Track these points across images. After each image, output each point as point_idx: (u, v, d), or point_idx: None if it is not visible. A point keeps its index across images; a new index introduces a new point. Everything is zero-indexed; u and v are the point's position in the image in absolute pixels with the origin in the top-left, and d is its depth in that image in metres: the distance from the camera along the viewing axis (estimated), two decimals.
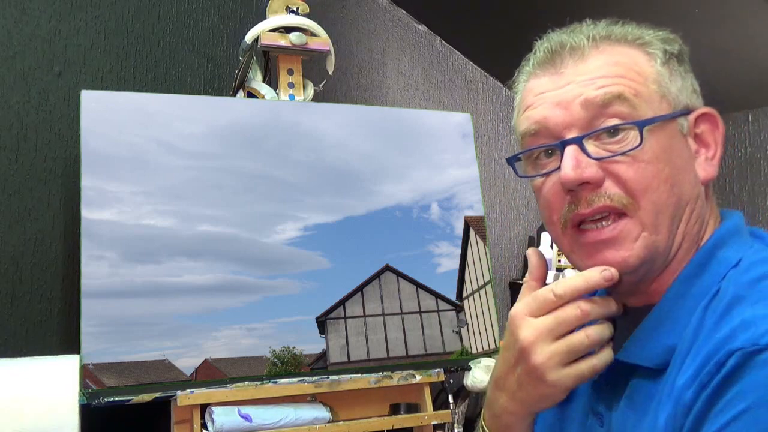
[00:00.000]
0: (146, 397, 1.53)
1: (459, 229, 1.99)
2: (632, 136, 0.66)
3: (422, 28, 2.58)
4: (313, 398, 1.68)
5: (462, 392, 1.99)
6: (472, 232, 2.01)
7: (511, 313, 0.70)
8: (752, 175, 2.79)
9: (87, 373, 1.50)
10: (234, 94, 1.88)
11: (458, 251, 1.97)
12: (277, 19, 1.88)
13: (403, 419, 1.75)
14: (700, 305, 0.64)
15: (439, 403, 1.92)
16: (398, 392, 1.79)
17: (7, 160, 1.67)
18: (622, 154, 0.66)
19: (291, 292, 1.76)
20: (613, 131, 0.67)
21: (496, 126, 2.79)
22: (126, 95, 1.71)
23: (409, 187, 1.94)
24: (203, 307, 1.66)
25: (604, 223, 0.67)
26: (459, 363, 1.88)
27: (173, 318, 1.63)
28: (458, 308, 1.94)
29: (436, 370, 1.81)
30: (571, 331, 0.67)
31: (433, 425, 1.78)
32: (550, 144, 0.70)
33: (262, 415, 1.58)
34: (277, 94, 1.87)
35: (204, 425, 1.56)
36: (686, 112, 0.70)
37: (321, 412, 1.65)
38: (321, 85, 1.98)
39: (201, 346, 1.63)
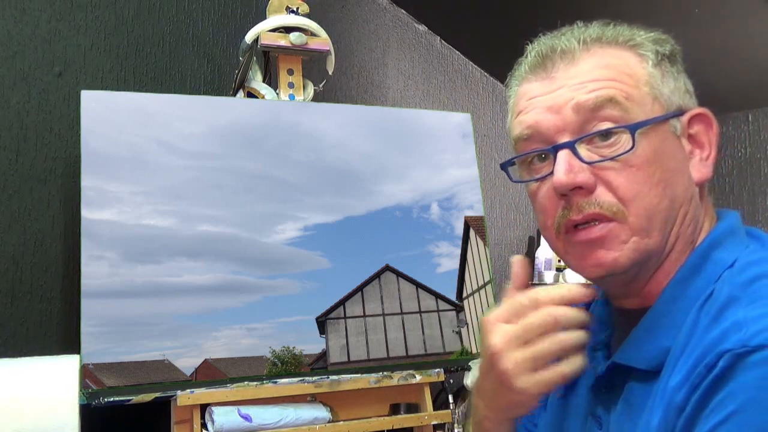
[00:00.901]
0: (146, 397, 1.53)
1: (459, 229, 1.99)
2: (624, 140, 0.66)
3: (422, 28, 2.58)
4: (313, 398, 1.68)
5: (462, 392, 1.99)
6: (472, 232, 2.01)
7: (482, 318, 0.71)
8: (752, 175, 2.79)
9: (87, 373, 1.50)
10: (234, 94, 1.88)
11: (458, 251, 1.97)
12: (277, 19, 1.88)
13: (403, 419, 1.75)
14: (695, 306, 0.65)
15: (439, 403, 1.92)
16: (398, 392, 1.79)
17: (7, 160, 1.66)
18: (614, 158, 0.66)
19: (291, 292, 1.76)
20: (606, 135, 0.67)
21: (496, 126, 2.79)
22: (126, 95, 1.71)
23: (409, 187, 1.94)
24: (203, 307, 1.66)
25: (595, 223, 0.67)
26: (459, 363, 1.89)
27: (173, 318, 1.63)
28: (458, 308, 1.94)
29: (436, 370, 1.81)
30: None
31: (433, 425, 1.78)
32: (543, 149, 0.70)
33: (262, 415, 1.58)
34: (277, 94, 1.87)
35: (204, 425, 1.56)
36: (679, 113, 0.70)
37: (321, 412, 1.65)
38: (321, 85, 1.99)
39: (201, 346, 1.63)
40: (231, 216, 1.73)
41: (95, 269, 1.57)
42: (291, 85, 1.89)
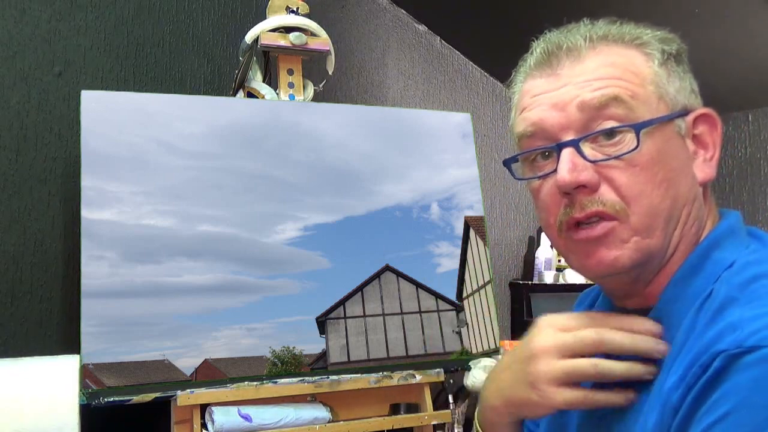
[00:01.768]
0: (146, 397, 1.53)
1: (459, 229, 1.99)
2: (629, 139, 0.66)
3: (422, 28, 2.58)
4: (313, 398, 1.68)
5: (462, 392, 1.99)
6: (472, 232, 2.01)
7: (541, 318, 0.71)
8: (752, 175, 2.79)
9: (87, 373, 1.50)
10: (234, 94, 1.88)
11: (458, 251, 1.97)
12: (277, 19, 1.88)
13: (403, 419, 1.75)
14: (693, 307, 0.64)
15: (439, 403, 1.92)
16: (398, 392, 1.79)
17: (7, 160, 1.67)
18: (618, 157, 0.66)
19: (291, 292, 1.76)
20: (610, 133, 0.67)
21: (496, 126, 2.79)
22: (126, 95, 1.71)
23: (409, 187, 1.94)
24: (203, 307, 1.66)
25: (597, 220, 0.67)
26: (459, 363, 1.89)
27: (173, 318, 1.63)
28: (458, 308, 1.94)
29: (436, 370, 1.81)
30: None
31: (433, 425, 1.78)
32: (547, 146, 0.69)
33: (262, 415, 1.58)
34: (277, 94, 1.88)
35: (204, 425, 1.56)
36: (684, 113, 0.70)
37: (321, 412, 1.65)
38: (321, 85, 1.99)
39: (201, 346, 1.63)
40: (231, 216, 1.73)
41: (95, 269, 1.57)
42: (291, 85, 1.89)
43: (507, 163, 0.76)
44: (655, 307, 0.69)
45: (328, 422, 1.65)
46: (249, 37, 1.87)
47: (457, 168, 2.02)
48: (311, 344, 1.73)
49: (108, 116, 1.64)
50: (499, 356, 2.04)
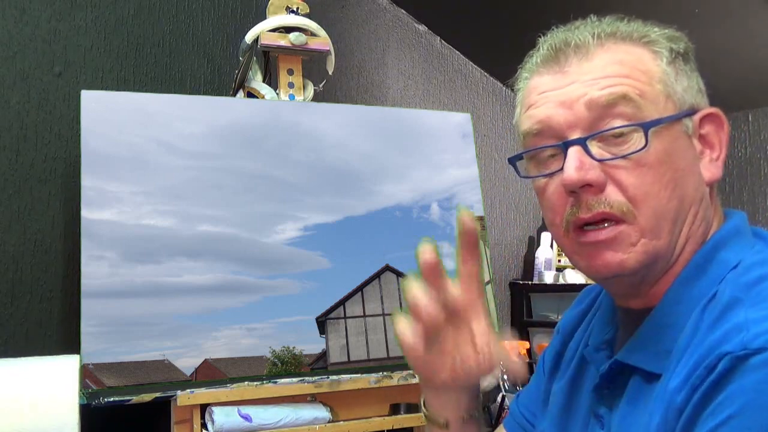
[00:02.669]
0: (146, 397, 1.53)
1: None
2: (636, 138, 0.65)
3: (422, 28, 2.58)
4: (313, 398, 1.68)
5: None
6: None
7: None
8: (752, 175, 2.79)
9: (87, 373, 1.50)
10: (234, 94, 1.88)
11: None
12: (277, 19, 1.88)
13: (403, 419, 1.75)
14: (698, 308, 0.64)
15: None
16: (398, 392, 1.79)
17: (7, 160, 1.67)
18: (625, 156, 0.65)
19: (291, 292, 1.76)
20: (618, 133, 0.66)
21: (496, 126, 2.79)
22: (126, 95, 1.71)
23: (409, 187, 1.94)
24: (203, 307, 1.66)
25: (605, 224, 0.67)
26: None
27: (173, 318, 1.63)
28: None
29: None
30: None
31: None
32: (553, 144, 0.69)
33: (262, 415, 1.58)
34: (277, 94, 1.88)
35: (204, 425, 1.56)
36: (691, 112, 0.69)
37: (321, 412, 1.65)
38: (321, 85, 1.99)
39: (201, 346, 1.63)
40: (231, 216, 1.73)
41: (95, 269, 1.57)
42: (291, 85, 1.89)
43: (512, 161, 0.75)
44: (658, 307, 0.68)
45: (328, 422, 1.65)
46: (249, 37, 1.87)
47: (457, 168, 2.02)
48: (311, 344, 1.73)
49: (108, 116, 1.64)
50: None
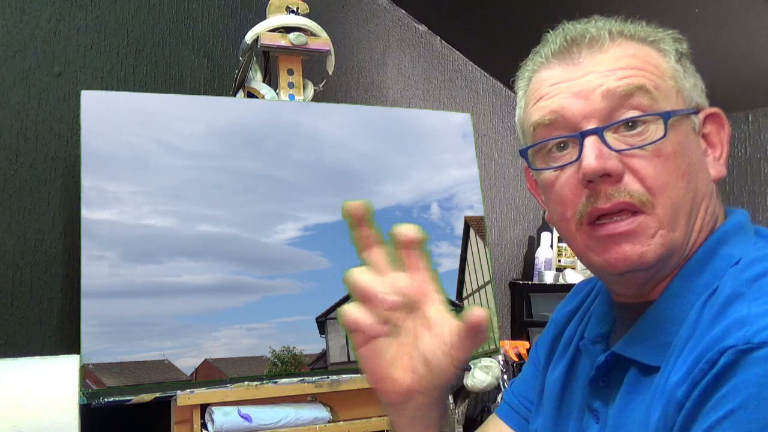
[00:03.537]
0: (146, 397, 1.53)
1: (459, 229, 1.99)
2: (653, 129, 0.66)
3: (422, 28, 2.58)
4: (313, 398, 1.68)
5: (462, 392, 1.99)
6: (472, 232, 2.01)
7: None
8: (752, 175, 2.79)
9: (87, 373, 1.50)
10: (234, 94, 1.88)
11: (458, 251, 1.97)
12: (277, 19, 1.88)
13: None
14: (699, 302, 0.64)
15: None
16: None
17: (7, 160, 1.67)
18: (643, 147, 0.65)
19: (291, 292, 1.76)
20: (632, 124, 0.66)
21: (496, 126, 2.79)
22: (126, 95, 1.71)
23: (409, 187, 1.94)
24: (203, 307, 1.66)
25: (622, 216, 0.66)
26: None
27: (173, 318, 1.63)
28: (458, 308, 1.93)
29: None
30: None
31: None
32: (569, 135, 0.68)
33: (262, 415, 1.58)
34: (277, 94, 1.87)
35: (204, 425, 1.56)
36: (697, 110, 0.70)
37: (321, 412, 1.65)
38: (321, 85, 1.99)
39: (201, 346, 1.63)
40: (231, 216, 1.73)
41: (95, 269, 1.57)
42: (291, 85, 1.89)
43: (523, 153, 0.74)
44: (658, 301, 0.68)
45: (328, 422, 1.65)
46: (249, 37, 1.87)
47: (457, 168, 2.02)
48: (311, 344, 1.73)
49: (108, 116, 1.64)
50: (499, 356, 2.04)
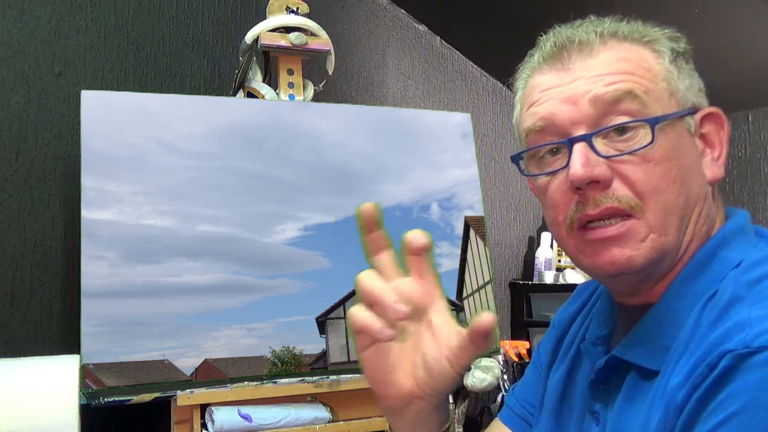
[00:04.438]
0: (146, 397, 1.53)
1: (459, 229, 1.99)
2: (642, 134, 0.65)
3: (422, 28, 2.58)
4: (313, 398, 1.68)
5: (462, 392, 1.99)
6: (472, 232, 2.01)
7: None
8: (752, 175, 2.79)
9: (87, 373, 1.50)
10: (234, 94, 1.88)
11: (458, 251, 1.97)
12: (277, 19, 1.88)
13: None
14: (698, 305, 0.64)
15: None
16: None
17: (7, 160, 1.67)
18: (632, 152, 0.65)
19: (291, 292, 1.76)
20: (622, 129, 0.65)
21: (496, 126, 2.79)
22: (126, 95, 1.71)
23: (409, 187, 1.94)
24: (203, 307, 1.66)
25: (612, 221, 0.66)
26: None
27: (173, 318, 1.63)
28: (458, 308, 1.94)
29: None
30: None
31: None
32: (558, 141, 0.68)
33: (262, 415, 1.58)
34: (277, 94, 1.87)
35: (204, 425, 1.56)
36: (693, 111, 0.69)
37: (321, 412, 1.65)
38: (321, 85, 1.99)
39: (201, 346, 1.63)
40: (231, 216, 1.73)
41: (95, 269, 1.57)
42: (291, 85, 1.89)
43: (514, 159, 0.74)
44: (657, 304, 0.68)
45: (328, 422, 1.65)
46: (249, 37, 1.87)
47: (457, 168, 2.02)
48: (311, 344, 1.73)
49: (108, 116, 1.64)
50: (499, 356, 2.04)
